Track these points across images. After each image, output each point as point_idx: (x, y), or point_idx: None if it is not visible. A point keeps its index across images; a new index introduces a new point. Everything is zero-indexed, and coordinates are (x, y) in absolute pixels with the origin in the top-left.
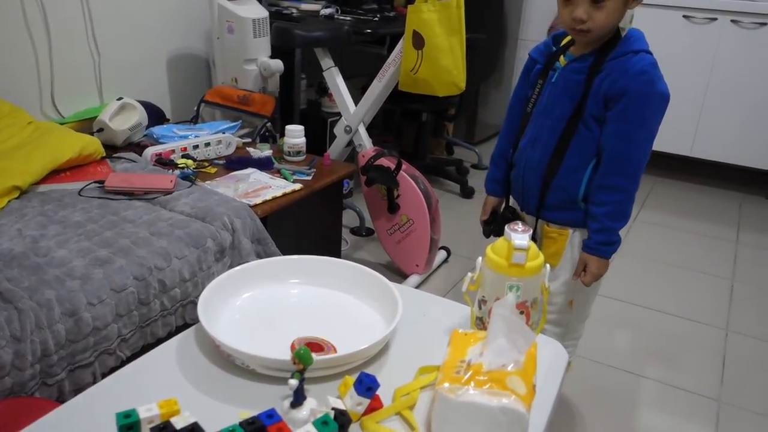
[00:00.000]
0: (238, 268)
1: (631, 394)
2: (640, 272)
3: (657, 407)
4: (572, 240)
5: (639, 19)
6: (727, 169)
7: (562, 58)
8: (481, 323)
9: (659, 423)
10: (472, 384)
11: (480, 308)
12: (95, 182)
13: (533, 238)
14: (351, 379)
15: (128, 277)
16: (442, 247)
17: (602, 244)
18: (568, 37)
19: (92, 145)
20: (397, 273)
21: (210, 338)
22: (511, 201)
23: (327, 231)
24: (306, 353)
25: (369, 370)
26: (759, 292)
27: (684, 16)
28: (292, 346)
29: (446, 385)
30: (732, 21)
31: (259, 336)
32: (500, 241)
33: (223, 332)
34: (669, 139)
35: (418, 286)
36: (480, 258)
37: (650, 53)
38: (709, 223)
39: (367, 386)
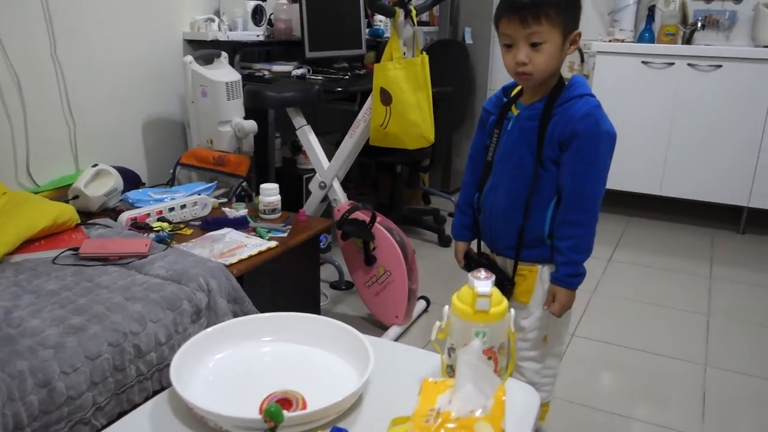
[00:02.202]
0: (208, 330)
1: None
2: (618, 312)
3: None
4: (542, 275)
5: (601, 67)
6: (698, 206)
7: (514, 107)
8: (451, 371)
9: None
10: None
11: (449, 356)
12: (70, 249)
13: (508, 278)
14: None
15: (102, 343)
16: (422, 297)
17: (569, 276)
18: (518, 88)
19: (66, 212)
20: (377, 325)
21: (183, 401)
22: (483, 245)
23: (305, 286)
24: (276, 410)
25: (342, 424)
26: (734, 325)
27: (642, 62)
28: (262, 405)
29: None
30: (689, 65)
31: (233, 396)
32: (465, 288)
33: (196, 395)
34: (638, 178)
35: (398, 338)
36: (447, 306)
37: (593, 96)
38: (683, 260)
39: None
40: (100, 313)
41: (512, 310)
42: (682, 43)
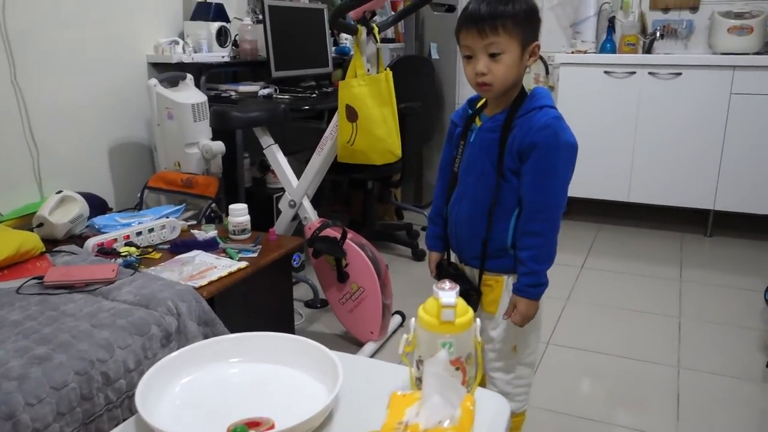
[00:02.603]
0: (174, 353)
1: None
2: (591, 318)
3: None
4: (508, 286)
5: (565, 78)
6: (666, 211)
7: (477, 119)
8: (420, 383)
9: None
10: None
11: (418, 368)
12: (34, 278)
13: (474, 288)
14: None
15: (69, 372)
16: (397, 312)
17: (530, 287)
18: (482, 100)
19: (30, 241)
20: (353, 342)
21: (149, 427)
22: (452, 255)
23: (279, 306)
24: (243, 431)
25: None
26: (705, 327)
27: (605, 72)
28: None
29: None
30: (649, 73)
31: (200, 420)
32: (430, 300)
33: (162, 420)
34: (607, 186)
35: (374, 354)
36: (413, 319)
37: (554, 108)
38: (653, 264)
39: None
40: (66, 342)
41: (478, 320)
42: (643, 53)
